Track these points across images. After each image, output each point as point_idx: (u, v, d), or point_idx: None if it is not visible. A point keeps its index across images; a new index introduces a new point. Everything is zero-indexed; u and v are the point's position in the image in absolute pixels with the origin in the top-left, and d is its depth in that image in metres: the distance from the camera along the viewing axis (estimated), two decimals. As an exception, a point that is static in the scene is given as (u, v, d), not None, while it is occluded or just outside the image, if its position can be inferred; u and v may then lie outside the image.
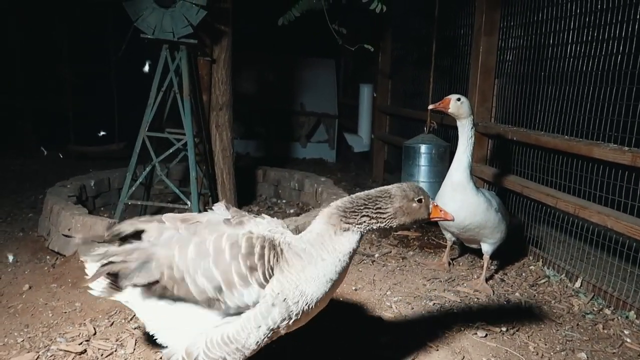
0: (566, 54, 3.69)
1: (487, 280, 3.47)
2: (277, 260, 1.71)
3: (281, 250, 1.74)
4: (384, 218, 1.78)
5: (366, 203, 1.77)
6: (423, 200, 1.83)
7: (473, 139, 3.26)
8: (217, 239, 1.71)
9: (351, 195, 1.85)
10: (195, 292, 1.67)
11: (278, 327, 1.71)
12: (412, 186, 1.83)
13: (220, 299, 1.66)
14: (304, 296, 1.71)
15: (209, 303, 1.68)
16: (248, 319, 1.67)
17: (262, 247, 1.70)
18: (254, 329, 1.66)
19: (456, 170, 3.23)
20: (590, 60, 3.46)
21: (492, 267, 3.77)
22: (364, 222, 1.77)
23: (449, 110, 3.24)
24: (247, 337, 1.67)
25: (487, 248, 3.42)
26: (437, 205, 1.90)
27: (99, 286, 1.86)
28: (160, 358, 2.35)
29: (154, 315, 1.80)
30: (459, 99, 3.22)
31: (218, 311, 1.69)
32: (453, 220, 2.00)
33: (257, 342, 1.70)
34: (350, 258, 1.81)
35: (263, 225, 1.85)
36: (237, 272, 1.64)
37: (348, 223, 1.76)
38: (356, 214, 1.76)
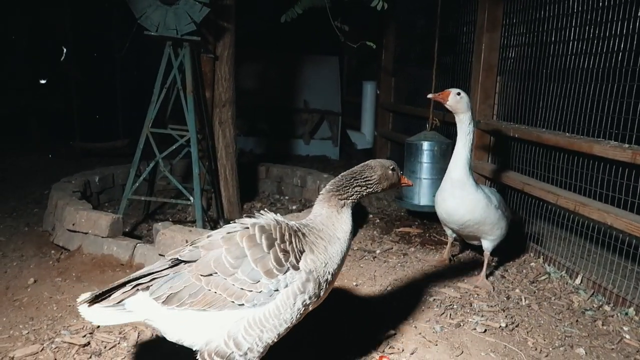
0: (568, 51, 3.69)
1: (487, 276, 3.48)
2: (302, 243, 1.85)
3: (303, 234, 1.90)
4: (372, 184, 2.09)
5: (354, 176, 2.06)
6: (395, 169, 2.18)
7: (472, 135, 3.26)
8: (250, 236, 1.78)
9: (336, 176, 2.11)
10: (238, 291, 1.72)
11: (310, 302, 1.83)
12: (383, 159, 2.19)
13: (262, 289, 1.73)
14: (329, 273, 1.92)
15: (251, 298, 1.73)
16: (287, 296, 1.76)
17: (290, 235, 1.83)
18: (290, 305, 1.77)
19: (455, 166, 3.23)
20: (591, 58, 3.46)
21: (493, 263, 3.79)
22: (357, 191, 2.05)
23: (448, 103, 3.23)
24: (284, 312, 1.76)
25: (487, 245, 3.43)
26: (402, 175, 2.27)
27: (104, 315, 1.80)
28: (163, 350, 2.39)
29: (185, 324, 1.78)
30: (458, 93, 3.21)
31: (255, 303, 1.74)
32: (412, 185, 2.39)
33: (292, 317, 1.79)
34: (352, 235, 2.08)
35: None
36: (275, 259, 1.74)
37: (344, 198, 2.03)
38: (348, 187, 2.04)
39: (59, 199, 3.86)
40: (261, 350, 1.79)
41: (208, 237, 1.88)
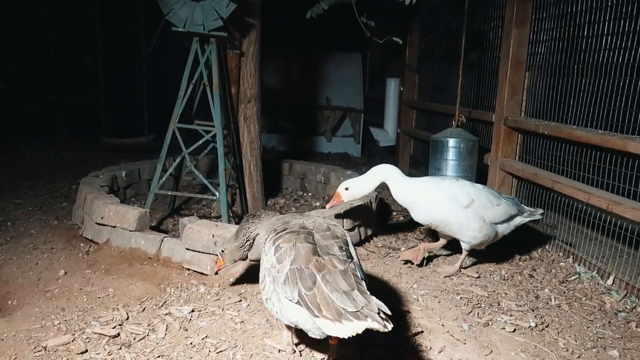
0: (600, 45, 3.59)
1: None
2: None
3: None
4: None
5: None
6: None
7: (393, 178, 3.38)
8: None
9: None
10: None
11: None
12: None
13: None
14: None
15: None
16: None
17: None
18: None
19: (394, 194, 3.41)
20: (625, 52, 3.36)
21: (521, 262, 3.73)
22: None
23: (344, 200, 3.44)
24: None
25: (463, 245, 3.44)
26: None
27: None
28: (191, 343, 2.42)
29: None
30: (347, 188, 3.40)
31: None
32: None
33: None
34: None
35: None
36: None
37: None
38: None
39: (87, 193, 3.92)
40: None
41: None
